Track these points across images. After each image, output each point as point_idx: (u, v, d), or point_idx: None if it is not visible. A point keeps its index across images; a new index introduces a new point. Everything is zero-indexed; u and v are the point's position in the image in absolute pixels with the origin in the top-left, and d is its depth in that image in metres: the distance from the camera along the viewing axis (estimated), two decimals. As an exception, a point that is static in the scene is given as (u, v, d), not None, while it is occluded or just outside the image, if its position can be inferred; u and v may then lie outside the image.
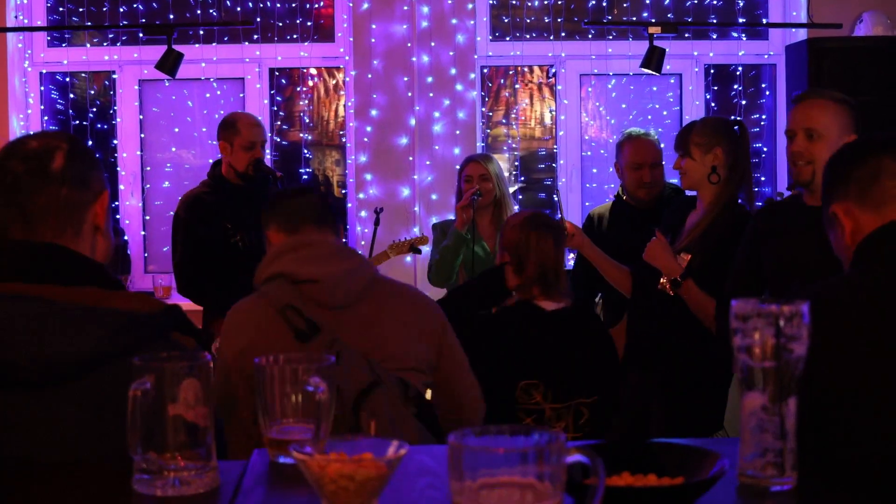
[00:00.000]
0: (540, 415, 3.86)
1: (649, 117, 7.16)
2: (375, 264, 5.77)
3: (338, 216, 3.60)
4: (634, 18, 7.13)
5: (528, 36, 7.15)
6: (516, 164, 7.21)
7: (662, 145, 5.31)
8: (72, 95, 7.20)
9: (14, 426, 1.93)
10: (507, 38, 7.13)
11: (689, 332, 4.31)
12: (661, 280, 4.36)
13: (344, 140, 7.19)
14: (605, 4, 7.12)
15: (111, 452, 1.84)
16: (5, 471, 1.88)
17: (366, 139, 6.84)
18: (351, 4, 6.90)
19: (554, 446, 1.30)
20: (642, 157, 5.11)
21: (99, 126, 7.15)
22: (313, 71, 7.29)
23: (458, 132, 6.84)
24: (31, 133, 2.43)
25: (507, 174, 7.14)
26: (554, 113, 7.28)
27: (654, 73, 6.25)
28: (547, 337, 3.94)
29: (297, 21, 7.09)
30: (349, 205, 7.01)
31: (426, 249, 6.09)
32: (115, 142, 7.11)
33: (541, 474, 1.28)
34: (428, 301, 3.51)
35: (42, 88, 7.13)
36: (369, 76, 6.83)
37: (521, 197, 7.14)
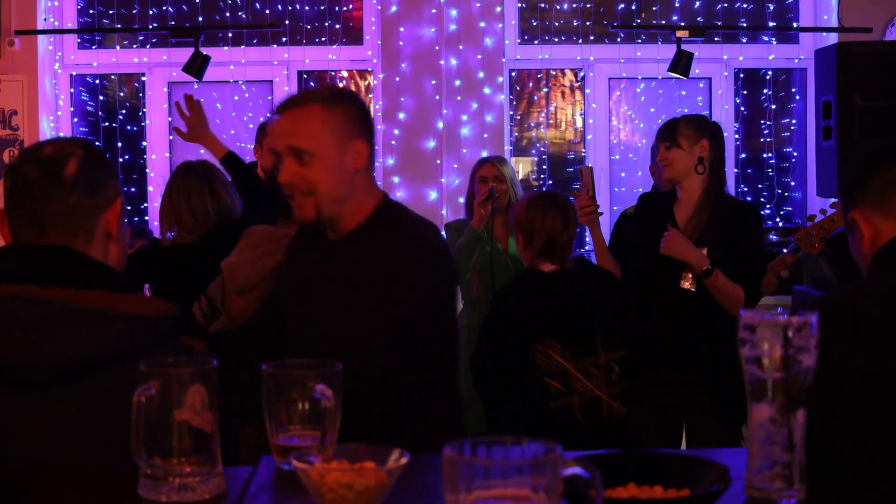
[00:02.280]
0: (565, 376, 3.89)
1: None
2: None
3: None
4: (664, 22, 7.10)
5: (556, 39, 7.14)
6: (544, 167, 7.19)
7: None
8: (102, 97, 7.24)
9: (21, 427, 1.94)
10: (536, 42, 7.12)
11: (711, 326, 4.31)
12: (685, 275, 4.34)
13: (372, 143, 7.18)
14: (634, 8, 7.10)
15: (118, 456, 1.84)
16: (11, 472, 1.89)
17: (393, 142, 6.84)
18: (379, 7, 6.90)
19: (550, 458, 1.28)
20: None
21: (128, 128, 7.18)
22: (343, 73, 7.30)
23: (485, 135, 6.83)
24: (48, 139, 2.44)
25: (535, 176, 7.13)
26: (583, 116, 7.26)
27: (681, 77, 6.22)
28: (549, 294, 4.02)
29: (326, 24, 7.10)
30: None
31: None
32: (145, 143, 7.15)
33: (536, 486, 1.27)
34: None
35: (72, 90, 7.18)
36: (397, 79, 6.83)
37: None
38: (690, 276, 4.34)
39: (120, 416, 1.80)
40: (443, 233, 5.96)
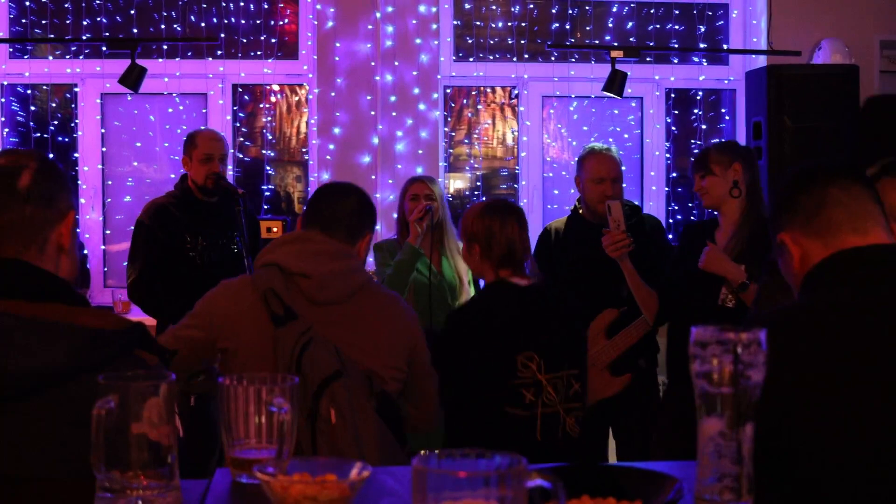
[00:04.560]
0: (538, 387, 3.90)
1: (610, 140, 7.20)
2: None
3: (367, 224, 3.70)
4: (597, 42, 7.19)
5: (491, 57, 7.19)
6: (478, 183, 7.24)
7: (623, 168, 5.35)
8: (33, 107, 7.16)
9: (-23, 441, 1.93)
10: (471, 59, 7.17)
11: None
12: (723, 290, 4.43)
13: (306, 157, 7.19)
14: (568, 27, 7.18)
15: (76, 469, 1.84)
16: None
17: (328, 157, 6.85)
18: (315, 22, 6.91)
19: (515, 470, 1.32)
20: (605, 172, 5.11)
21: (60, 139, 7.11)
22: (276, 87, 7.29)
23: (420, 151, 6.86)
24: (2, 150, 2.43)
25: (469, 193, 7.18)
26: (516, 133, 7.32)
27: (615, 96, 6.31)
28: (530, 309, 4.00)
29: (262, 38, 7.10)
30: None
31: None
32: (76, 155, 7.07)
33: (502, 498, 1.30)
34: (408, 311, 3.66)
35: (3, 100, 7.09)
36: (333, 94, 6.84)
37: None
38: (727, 291, 4.43)
39: (76, 430, 1.80)
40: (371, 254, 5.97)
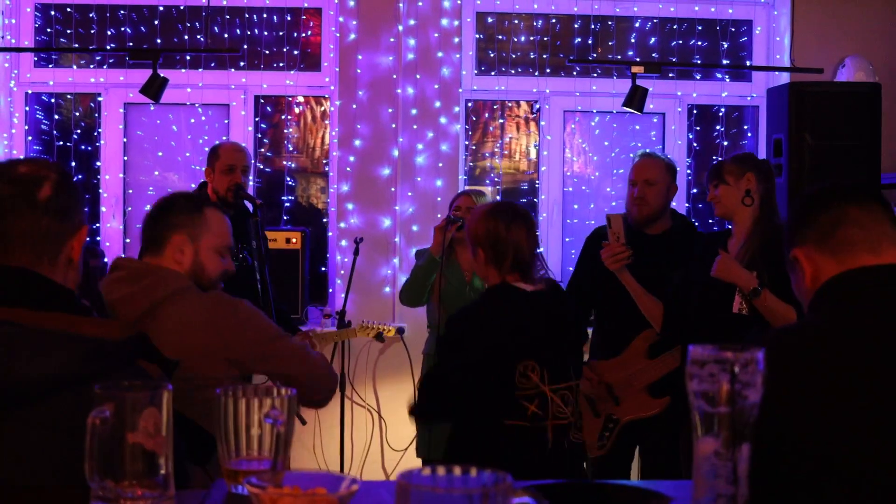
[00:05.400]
0: (542, 399, 3.82)
1: (631, 155, 7.18)
2: (341, 339, 5.91)
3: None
4: (619, 57, 7.18)
5: (513, 71, 7.20)
6: (498, 197, 7.23)
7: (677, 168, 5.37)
8: (57, 116, 7.21)
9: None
10: (493, 73, 7.17)
11: None
12: (737, 299, 4.44)
13: (328, 169, 7.21)
14: (590, 42, 7.17)
15: (73, 477, 1.85)
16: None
17: (349, 169, 6.86)
18: (338, 34, 6.93)
19: (500, 488, 1.31)
20: (636, 174, 5.17)
21: (83, 147, 7.15)
22: (300, 99, 7.32)
23: (440, 164, 6.87)
24: (22, 158, 2.44)
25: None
26: (537, 148, 7.32)
27: (636, 112, 6.30)
28: (533, 316, 3.90)
29: (284, 49, 7.13)
30: (330, 234, 7.04)
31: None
32: (99, 164, 7.12)
33: (486, 515, 1.29)
34: (217, 301, 3.38)
35: (27, 108, 7.14)
36: (354, 106, 6.86)
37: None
38: (740, 298, 4.44)
39: (75, 439, 1.80)
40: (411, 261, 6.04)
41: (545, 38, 7.20)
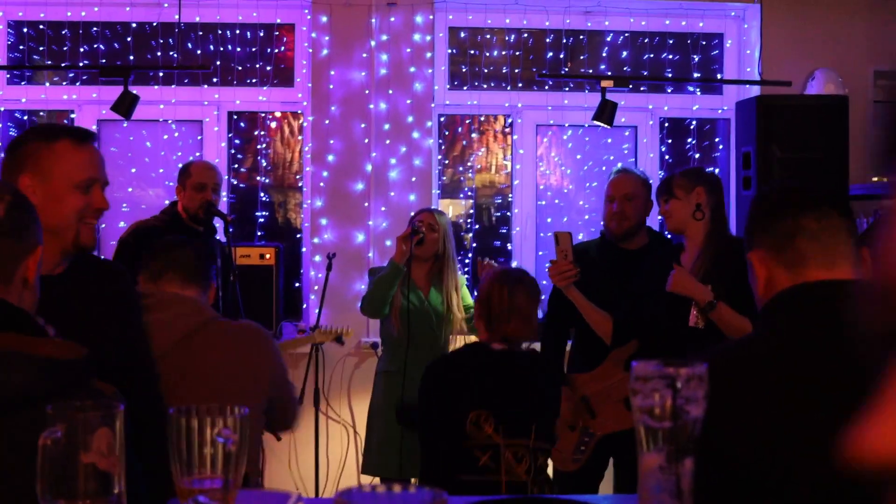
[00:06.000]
0: (496, 451, 3.85)
1: (604, 168, 7.23)
2: (301, 344, 5.94)
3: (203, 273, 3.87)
4: (591, 71, 7.22)
5: (485, 86, 7.23)
6: (471, 211, 7.26)
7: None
8: (30, 133, 7.19)
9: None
10: (465, 88, 7.21)
11: None
12: (693, 312, 4.46)
13: (300, 184, 7.23)
14: (562, 56, 7.21)
15: (26, 498, 1.86)
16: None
17: (322, 184, 6.88)
18: (311, 50, 6.96)
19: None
20: (614, 190, 5.22)
21: (56, 164, 7.13)
22: (278, 114, 7.33)
23: (413, 179, 6.89)
24: None
25: (463, 220, 7.20)
26: (510, 162, 7.35)
27: (605, 125, 6.34)
28: (493, 368, 4.02)
29: (257, 65, 7.14)
30: (304, 249, 7.05)
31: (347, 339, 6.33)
32: (72, 181, 7.10)
33: (423, 532, 1.31)
34: (254, 334, 3.76)
35: (0, 125, 7.14)
36: (327, 122, 6.88)
37: (475, 245, 7.18)
38: (696, 312, 4.46)
39: (29, 459, 1.81)
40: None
41: (517, 53, 7.23)
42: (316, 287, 6.71)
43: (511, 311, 4.11)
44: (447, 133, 7.37)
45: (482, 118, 7.41)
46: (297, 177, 7.31)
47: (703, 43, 7.33)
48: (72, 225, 2.94)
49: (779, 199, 2.38)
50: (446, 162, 7.36)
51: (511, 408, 3.94)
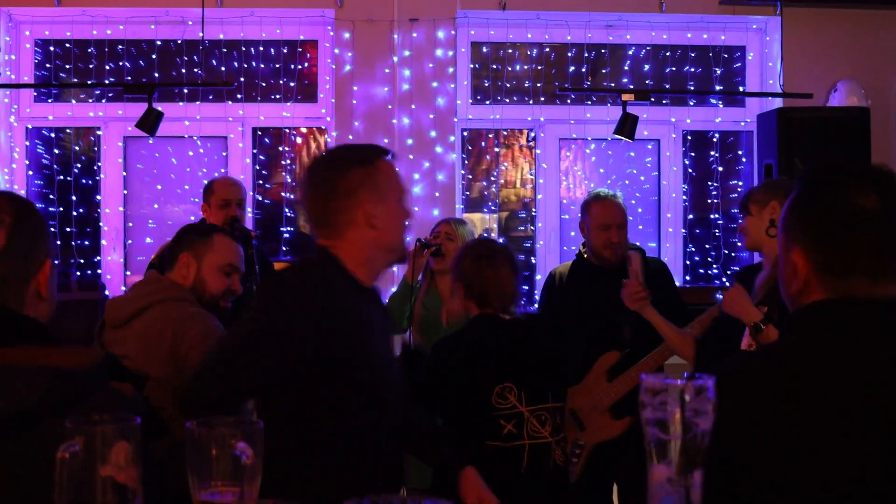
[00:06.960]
0: (519, 419, 3.96)
1: (627, 182, 7.25)
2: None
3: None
4: (613, 85, 7.23)
5: (508, 100, 7.25)
6: (495, 225, 7.27)
7: (630, 213, 5.36)
8: (57, 150, 7.27)
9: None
10: (488, 102, 7.23)
11: None
12: (746, 334, 4.24)
13: (325, 199, 7.23)
14: (584, 70, 7.23)
15: (47, 511, 1.88)
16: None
17: (346, 199, 6.88)
18: (334, 66, 7.00)
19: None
20: (611, 218, 5.12)
21: (83, 181, 7.21)
22: (303, 130, 7.37)
23: (437, 194, 6.91)
24: None
25: (487, 235, 7.20)
26: (533, 175, 7.36)
27: (627, 139, 6.33)
28: (511, 341, 4.05)
29: (281, 81, 7.19)
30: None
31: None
32: (99, 197, 7.18)
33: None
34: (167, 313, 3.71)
35: (28, 143, 7.21)
36: (350, 137, 6.90)
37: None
38: (750, 335, 4.29)
39: (47, 473, 1.83)
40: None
41: (539, 67, 7.25)
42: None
43: (498, 284, 4.11)
44: (471, 147, 7.39)
45: (506, 132, 7.43)
46: (322, 192, 7.31)
47: (725, 56, 7.33)
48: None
49: (840, 199, 2.03)
50: (471, 176, 7.37)
51: (531, 375, 4.02)
